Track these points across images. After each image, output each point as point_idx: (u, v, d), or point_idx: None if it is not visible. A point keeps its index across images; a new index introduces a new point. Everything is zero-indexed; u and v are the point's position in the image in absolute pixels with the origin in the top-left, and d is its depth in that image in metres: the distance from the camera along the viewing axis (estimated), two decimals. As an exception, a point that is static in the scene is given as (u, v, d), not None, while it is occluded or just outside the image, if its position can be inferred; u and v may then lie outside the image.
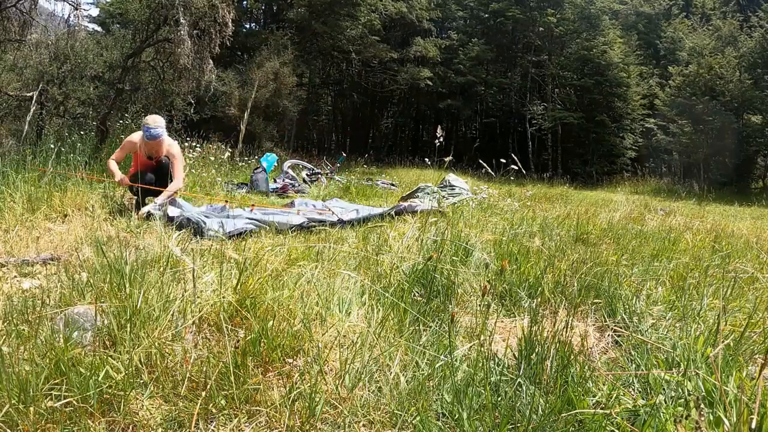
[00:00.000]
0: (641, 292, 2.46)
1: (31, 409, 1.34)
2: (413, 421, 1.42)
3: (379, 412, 1.49)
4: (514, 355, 1.71)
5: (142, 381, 1.52)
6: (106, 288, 1.88)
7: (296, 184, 8.69)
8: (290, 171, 9.26)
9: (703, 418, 1.41)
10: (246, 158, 10.99)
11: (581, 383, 1.56)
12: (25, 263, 2.71)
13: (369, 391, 1.57)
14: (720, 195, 16.60)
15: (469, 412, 1.41)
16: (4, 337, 1.62)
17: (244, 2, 23.30)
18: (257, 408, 1.47)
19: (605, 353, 1.99)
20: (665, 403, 1.45)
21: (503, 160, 2.71)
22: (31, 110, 7.31)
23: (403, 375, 1.61)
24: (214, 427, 1.42)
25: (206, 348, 1.71)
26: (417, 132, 30.55)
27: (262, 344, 1.66)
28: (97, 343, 1.65)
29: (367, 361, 1.64)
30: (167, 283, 1.91)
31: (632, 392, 1.62)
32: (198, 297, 1.88)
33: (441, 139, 3.16)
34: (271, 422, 1.44)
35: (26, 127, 7.24)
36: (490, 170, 2.64)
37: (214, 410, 1.45)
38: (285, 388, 1.55)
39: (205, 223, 3.71)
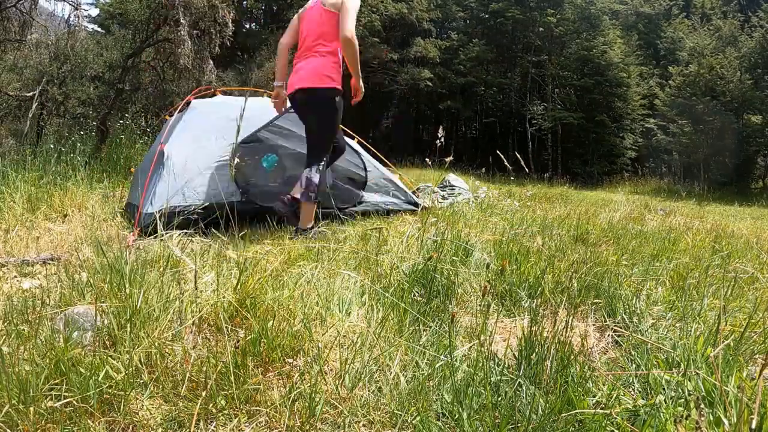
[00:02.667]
0: (641, 292, 2.46)
1: (31, 409, 1.34)
2: (413, 421, 1.42)
3: (379, 412, 1.49)
4: (514, 355, 1.71)
5: (142, 381, 1.52)
6: (106, 288, 1.88)
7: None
8: (290, 171, 9.24)
9: (703, 418, 1.41)
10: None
11: (581, 383, 1.56)
12: (25, 263, 2.71)
13: (369, 391, 1.57)
14: (720, 195, 16.60)
15: (469, 412, 1.42)
16: (4, 337, 1.62)
17: (244, 2, 23.31)
18: (257, 408, 1.47)
19: (605, 353, 1.99)
20: (665, 403, 1.45)
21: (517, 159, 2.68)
22: (33, 108, 7.32)
23: (403, 375, 1.61)
24: (214, 427, 1.42)
25: (206, 348, 1.71)
26: (417, 132, 30.55)
27: (262, 344, 1.66)
28: (97, 343, 1.65)
29: (367, 361, 1.64)
30: (167, 283, 1.91)
31: (632, 392, 1.62)
32: (198, 297, 1.88)
33: (442, 140, 3.15)
34: (271, 422, 1.44)
35: (27, 125, 7.25)
36: (507, 164, 2.59)
37: (214, 410, 1.45)
38: (285, 388, 1.55)
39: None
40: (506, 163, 2.48)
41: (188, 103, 4.77)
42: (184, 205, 3.69)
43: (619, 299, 2.30)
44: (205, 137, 4.19)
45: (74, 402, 1.38)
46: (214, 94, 5.27)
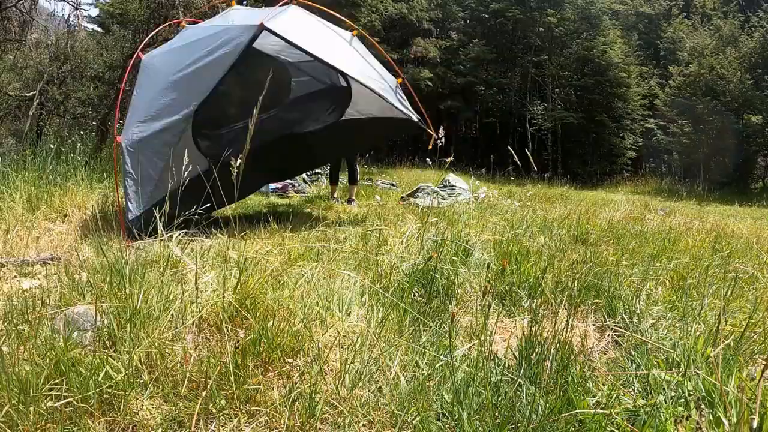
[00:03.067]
0: (641, 292, 2.46)
1: (31, 409, 1.34)
2: (413, 421, 1.42)
3: (379, 412, 1.49)
4: (514, 355, 1.71)
5: (142, 381, 1.52)
6: (106, 288, 1.88)
7: (296, 184, 8.67)
8: (290, 171, 9.22)
9: (703, 419, 1.41)
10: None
11: (581, 383, 1.56)
12: (25, 263, 2.71)
13: (369, 391, 1.57)
14: (720, 195, 16.60)
15: (469, 412, 1.41)
16: (4, 337, 1.62)
17: (244, 2, 23.31)
18: (257, 408, 1.47)
19: (605, 353, 1.99)
20: (665, 403, 1.45)
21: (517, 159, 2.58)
22: (33, 107, 7.30)
23: (403, 375, 1.61)
24: (214, 427, 1.42)
25: (206, 348, 1.71)
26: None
27: (262, 344, 1.66)
28: (97, 343, 1.65)
29: (367, 361, 1.64)
30: (167, 283, 1.91)
31: (632, 392, 1.62)
32: (198, 297, 1.88)
33: (442, 139, 3.15)
34: (271, 422, 1.44)
35: (27, 124, 7.24)
36: (517, 160, 2.50)
37: (214, 410, 1.45)
38: (285, 388, 1.55)
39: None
40: (516, 159, 2.42)
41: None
42: (156, 200, 3.28)
43: (619, 299, 2.30)
44: (161, 108, 3.53)
45: (74, 402, 1.38)
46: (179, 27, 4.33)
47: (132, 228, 3.34)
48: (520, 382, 1.53)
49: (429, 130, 4.01)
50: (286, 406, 1.44)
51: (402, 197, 6.84)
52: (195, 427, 1.39)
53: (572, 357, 1.61)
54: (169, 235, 2.03)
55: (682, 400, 1.47)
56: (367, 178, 11.52)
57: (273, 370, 1.64)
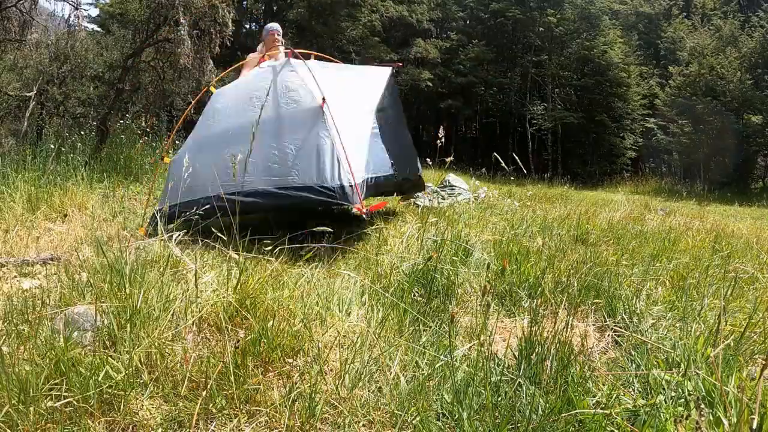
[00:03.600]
0: (641, 292, 2.46)
1: (31, 409, 1.34)
2: (413, 421, 1.42)
3: (379, 412, 1.49)
4: (514, 355, 1.71)
5: (142, 381, 1.52)
6: (106, 288, 1.88)
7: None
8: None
9: (703, 419, 1.41)
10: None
11: (581, 383, 1.56)
12: (25, 263, 2.71)
13: (369, 391, 1.57)
14: (720, 195, 16.60)
15: (469, 412, 1.41)
16: (4, 337, 1.62)
17: (244, 2, 23.31)
18: (257, 408, 1.47)
19: (605, 353, 1.99)
20: (665, 403, 1.45)
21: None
22: (30, 107, 7.30)
23: (403, 375, 1.61)
24: (214, 427, 1.42)
25: (206, 348, 1.71)
26: (417, 132, 30.51)
27: (262, 344, 1.66)
28: (97, 343, 1.65)
29: (367, 361, 1.64)
30: (167, 283, 1.91)
31: (632, 392, 1.62)
32: (198, 297, 1.88)
33: (442, 139, 3.15)
34: (271, 422, 1.44)
35: (25, 125, 7.23)
36: (505, 166, 2.51)
37: (214, 410, 1.45)
38: (285, 388, 1.55)
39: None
40: (503, 165, 2.45)
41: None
42: (185, 201, 3.50)
43: (619, 299, 2.30)
44: (215, 124, 3.85)
45: (74, 402, 1.38)
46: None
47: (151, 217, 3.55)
48: (520, 382, 1.53)
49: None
50: (286, 406, 1.44)
51: (402, 197, 6.83)
52: (195, 427, 1.39)
53: (572, 357, 1.61)
54: (169, 235, 2.04)
55: (682, 400, 1.47)
56: (367, 178, 11.51)
57: (273, 370, 1.64)
